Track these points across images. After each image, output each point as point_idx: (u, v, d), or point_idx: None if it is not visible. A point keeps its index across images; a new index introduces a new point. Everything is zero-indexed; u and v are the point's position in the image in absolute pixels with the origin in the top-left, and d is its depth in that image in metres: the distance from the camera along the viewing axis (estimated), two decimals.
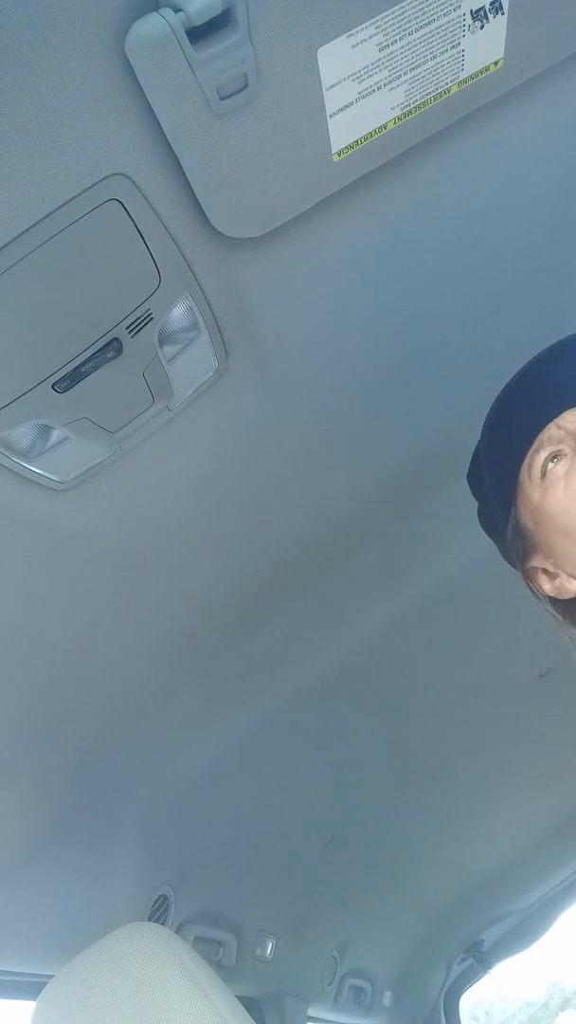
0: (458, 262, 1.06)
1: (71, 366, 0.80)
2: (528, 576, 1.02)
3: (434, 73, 0.77)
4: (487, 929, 2.98)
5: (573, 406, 0.95)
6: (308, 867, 2.14)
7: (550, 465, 0.94)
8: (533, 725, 2.22)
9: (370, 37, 0.71)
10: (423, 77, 0.77)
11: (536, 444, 0.95)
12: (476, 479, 1.07)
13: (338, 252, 0.93)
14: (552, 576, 1.00)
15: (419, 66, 0.75)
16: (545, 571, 1.00)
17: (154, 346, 0.86)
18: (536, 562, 1.00)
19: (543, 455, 0.94)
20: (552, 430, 0.94)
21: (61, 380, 0.81)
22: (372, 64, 0.73)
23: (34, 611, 1.09)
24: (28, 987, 1.48)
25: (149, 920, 1.64)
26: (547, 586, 1.01)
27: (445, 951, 2.96)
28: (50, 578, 1.07)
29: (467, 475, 1.09)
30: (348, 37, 0.70)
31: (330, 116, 0.74)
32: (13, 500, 0.92)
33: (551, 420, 0.95)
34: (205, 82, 0.65)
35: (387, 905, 2.57)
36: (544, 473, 0.94)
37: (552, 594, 1.01)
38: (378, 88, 0.75)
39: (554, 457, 0.94)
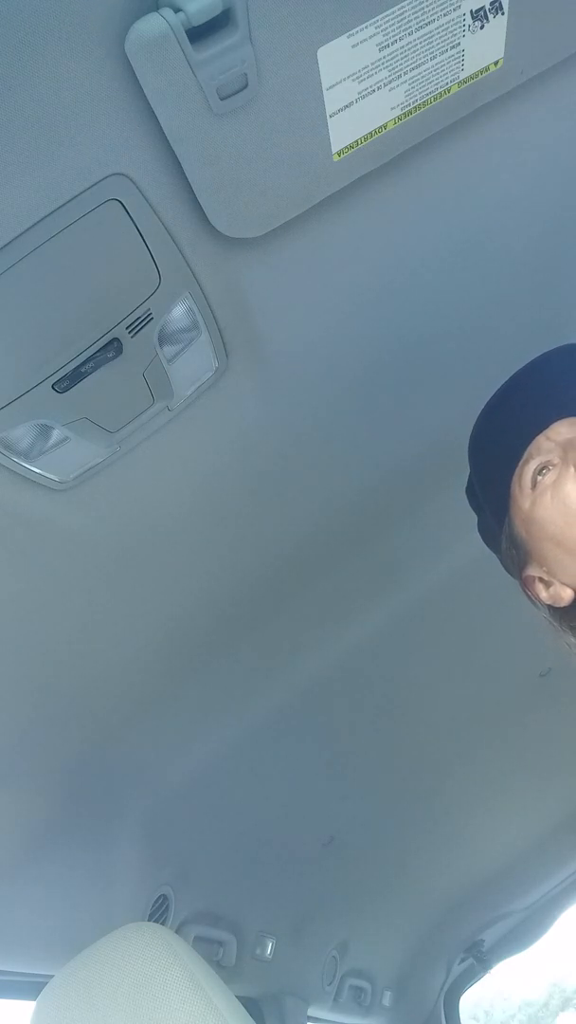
0: (458, 262, 1.06)
1: (71, 366, 0.80)
2: (525, 584, 1.03)
3: (434, 73, 0.77)
4: (487, 929, 2.98)
5: (561, 417, 0.95)
6: (308, 867, 2.14)
7: (539, 476, 0.95)
8: (533, 725, 2.22)
9: (370, 37, 0.71)
10: (423, 77, 0.77)
11: (526, 455, 0.96)
12: (473, 493, 1.08)
13: (338, 252, 0.93)
14: (547, 584, 1.01)
15: (419, 66, 0.75)
16: (541, 579, 1.01)
17: (154, 346, 0.86)
18: (531, 571, 1.01)
19: (533, 466, 0.96)
20: (541, 441, 0.96)
21: (61, 380, 0.81)
22: (372, 64, 0.73)
23: (34, 611, 1.09)
24: (28, 987, 1.48)
25: (149, 920, 1.64)
26: (543, 594, 1.01)
27: (445, 951, 2.96)
28: (50, 578, 1.07)
29: (465, 490, 1.10)
30: (348, 37, 0.70)
31: (330, 116, 0.74)
32: (13, 500, 0.92)
33: (540, 432, 0.96)
34: (205, 82, 0.65)
35: (387, 905, 2.57)
36: (534, 484, 0.95)
37: (548, 602, 1.02)
38: (378, 88, 0.75)
39: (544, 468, 0.95)
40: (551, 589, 1.01)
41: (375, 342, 1.09)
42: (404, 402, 1.23)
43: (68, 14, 0.59)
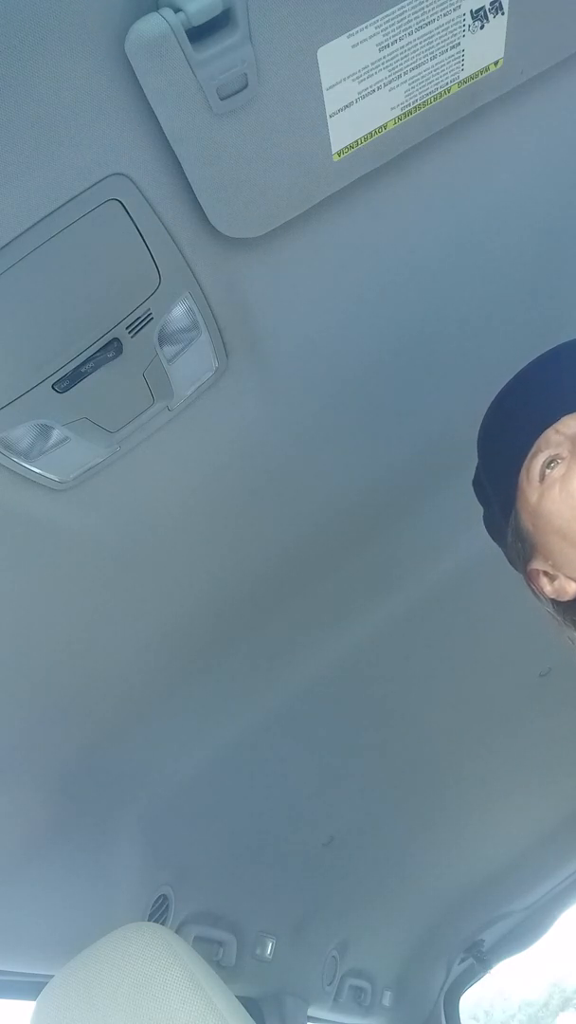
0: (458, 262, 1.06)
1: (71, 366, 0.80)
2: (529, 578, 1.03)
3: (434, 73, 0.77)
4: (487, 929, 2.98)
5: (570, 411, 0.96)
6: (308, 867, 2.14)
7: (548, 469, 0.95)
8: (533, 725, 2.22)
9: (370, 37, 0.71)
10: (423, 77, 0.77)
11: (534, 448, 0.96)
12: (480, 486, 1.08)
13: (338, 252, 0.93)
14: (552, 578, 1.01)
15: (419, 66, 0.75)
16: (545, 573, 1.01)
17: (154, 346, 0.86)
18: (536, 564, 1.01)
19: (541, 459, 0.96)
20: (550, 435, 0.96)
21: (61, 380, 0.81)
22: (372, 64, 0.73)
23: (34, 611, 1.09)
24: (28, 987, 1.48)
25: (149, 920, 1.64)
26: (547, 588, 1.01)
27: (445, 951, 2.96)
28: (50, 578, 1.07)
29: (472, 482, 1.10)
30: (348, 37, 0.70)
31: (330, 116, 0.74)
32: (13, 500, 0.92)
33: (549, 425, 0.96)
34: (205, 82, 0.65)
35: (387, 905, 2.57)
36: (543, 477, 0.95)
37: (552, 596, 1.02)
38: (378, 88, 0.75)
39: (552, 461, 0.95)
40: (556, 583, 1.01)
41: (375, 342, 1.09)
42: (404, 402, 1.23)
43: (68, 14, 0.59)
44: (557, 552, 0.98)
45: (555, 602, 1.03)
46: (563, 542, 0.96)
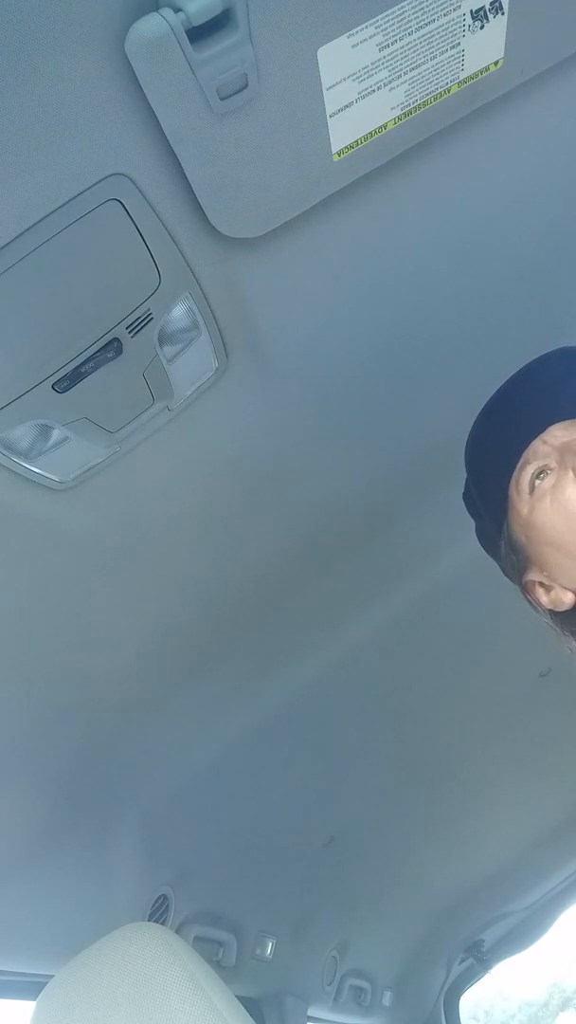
0: (458, 262, 1.06)
1: (71, 366, 0.80)
2: (526, 589, 1.03)
3: (434, 73, 0.77)
4: (487, 929, 2.98)
5: (557, 421, 0.95)
6: (308, 867, 2.14)
7: (537, 481, 0.94)
8: (533, 725, 2.22)
9: (370, 37, 0.71)
10: (423, 77, 0.77)
11: (523, 460, 0.96)
12: (470, 499, 1.08)
13: (338, 252, 0.93)
14: (548, 588, 1.01)
15: (419, 66, 0.75)
16: (541, 584, 1.01)
17: (154, 346, 0.86)
18: (532, 575, 1.01)
19: (530, 470, 0.95)
20: (538, 445, 0.95)
21: (61, 380, 0.81)
22: (372, 64, 0.73)
23: (34, 611, 1.09)
24: (28, 987, 1.48)
25: (149, 920, 1.64)
26: (544, 599, 1.01)
27: (445, 951, 2.96)
28: (50, 578, 1.07)
29: (463, 495, 1.10)
30: (348, 37, 0.70)
31: (330, 116, 0.74)
32: (13, 500, 0.92)
33: (536, 436, 0.96)
34: (205, 82, 0.65)
35: (387, 905, 2.57)
36: (532, 488, 0.95)
37: (549, 606, 1.01)
38: (378, 88, 0.75)
39: (541, 472, 0.94)
40: (552, 593, 1.00)
41: (375, 342, 1.09)
42: (404, 402, 1.23)
43: (68, 14, 0.59)
44: (551, 563, 0.97)
45: (553, 612, 1.03)
46: (557, 553, 0.96)
